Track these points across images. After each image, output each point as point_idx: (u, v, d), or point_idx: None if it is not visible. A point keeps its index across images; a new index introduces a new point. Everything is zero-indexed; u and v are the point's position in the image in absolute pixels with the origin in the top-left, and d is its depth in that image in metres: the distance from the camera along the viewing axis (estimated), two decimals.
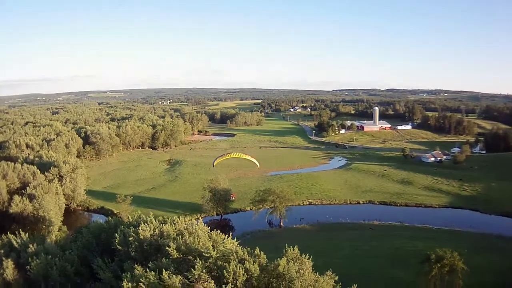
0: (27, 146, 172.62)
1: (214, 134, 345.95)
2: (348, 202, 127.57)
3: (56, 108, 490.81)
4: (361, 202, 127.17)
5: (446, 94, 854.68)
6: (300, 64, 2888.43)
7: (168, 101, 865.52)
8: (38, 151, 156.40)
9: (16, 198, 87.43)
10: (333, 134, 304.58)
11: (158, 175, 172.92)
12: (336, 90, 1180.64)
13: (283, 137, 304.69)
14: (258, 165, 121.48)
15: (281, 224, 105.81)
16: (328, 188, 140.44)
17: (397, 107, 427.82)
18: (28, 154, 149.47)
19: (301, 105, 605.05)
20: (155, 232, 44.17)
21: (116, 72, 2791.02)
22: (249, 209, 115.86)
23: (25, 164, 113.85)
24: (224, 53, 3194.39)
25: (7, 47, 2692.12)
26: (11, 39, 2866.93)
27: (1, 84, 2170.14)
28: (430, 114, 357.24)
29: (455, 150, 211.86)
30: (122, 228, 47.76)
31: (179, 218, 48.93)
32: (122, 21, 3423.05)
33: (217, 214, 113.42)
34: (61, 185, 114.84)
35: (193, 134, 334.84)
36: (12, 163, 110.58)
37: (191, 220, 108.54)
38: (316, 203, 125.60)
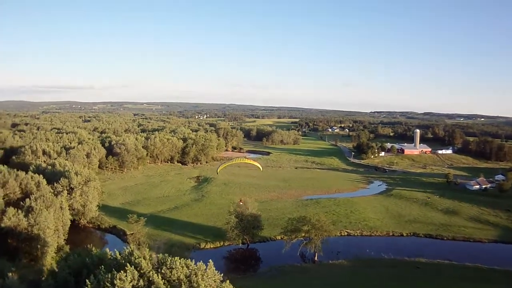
0: (44, 152, 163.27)
1: (249, 151, 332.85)
2: (391, 233, 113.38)
3: (89, 117, 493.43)
4: (404, 234, 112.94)
5: (482, 119, 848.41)
6: (338, 85, 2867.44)
7: (205, 115, 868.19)
8: (55, 158, 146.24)
9: (10, 210, 76.01)
10: (372, 156, 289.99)
11: (183, 193, 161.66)
12: (374, 111, 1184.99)
13: (320, 158, 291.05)
14: (261, 168, 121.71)
15: (316, 258, 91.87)
16: (368, 217, 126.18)
17: (436, 131, 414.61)
18: (44, 161, 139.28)
19: (339, 125, 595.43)
20: (139, 284, 31.31)
21: (154, 84, 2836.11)
22: (279, 238, 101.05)
23: (30, 172, 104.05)
24: (263, 70, 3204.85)
25: (46, 53, 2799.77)
26: (52, 45, 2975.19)
27: (38, 90, 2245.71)
28: (471, 139, 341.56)
29: (499, 177, 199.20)
30: (102, 268, 36.38)
31: (180, 262, 37.09)
32: (163, 35, 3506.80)
33: (243, 243, 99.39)
34: (70, 199, 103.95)
35: (226, 150, 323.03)
36: (15, 171, 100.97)
37: (213, 247, 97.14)
38: (356, 234, 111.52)
